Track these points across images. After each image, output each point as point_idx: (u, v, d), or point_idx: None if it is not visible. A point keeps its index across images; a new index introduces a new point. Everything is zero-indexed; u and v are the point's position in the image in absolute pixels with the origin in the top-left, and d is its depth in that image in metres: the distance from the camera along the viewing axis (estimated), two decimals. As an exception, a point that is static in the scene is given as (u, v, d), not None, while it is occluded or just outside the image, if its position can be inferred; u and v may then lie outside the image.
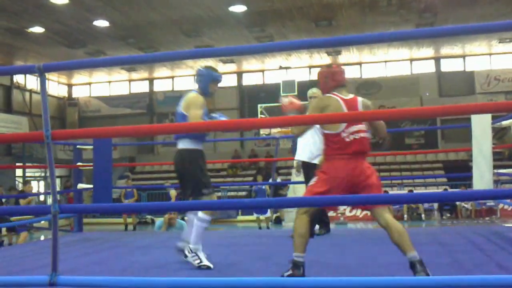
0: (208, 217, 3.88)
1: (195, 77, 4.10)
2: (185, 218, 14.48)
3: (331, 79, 3.51)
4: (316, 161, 5.24)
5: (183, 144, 3.93)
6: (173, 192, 13.95)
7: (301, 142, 5.59)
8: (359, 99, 3.51)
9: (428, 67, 24.72)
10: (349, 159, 3.33)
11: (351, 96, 3.50)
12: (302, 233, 3.34)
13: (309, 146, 5.46)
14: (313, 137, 5.35)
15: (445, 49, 23.21)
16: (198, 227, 3.86)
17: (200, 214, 3.85)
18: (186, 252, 3.85)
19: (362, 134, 3.39)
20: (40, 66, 2.72)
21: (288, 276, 3.31)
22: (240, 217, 18.14)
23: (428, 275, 3.09)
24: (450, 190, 16.67)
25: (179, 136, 3.96)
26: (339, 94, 3.46)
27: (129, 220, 15.94)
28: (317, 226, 5.69)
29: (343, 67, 3.70)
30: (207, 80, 4.02)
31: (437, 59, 24.54)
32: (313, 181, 3.43)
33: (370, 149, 3.47)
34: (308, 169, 5.42)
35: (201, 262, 3.78)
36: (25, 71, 2.95)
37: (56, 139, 2.71)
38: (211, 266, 3.79)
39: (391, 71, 24.91)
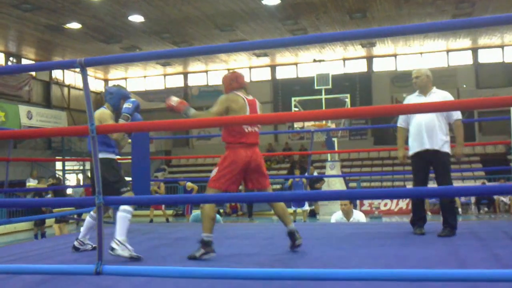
0: (131, 209, 4.05)
1: (105, 95, 4.45)
2: (221, 210, 14.58)
3: (235, 81, 4.16)
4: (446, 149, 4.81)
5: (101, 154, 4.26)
6: (189, 184, 14.00)
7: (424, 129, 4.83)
8: (257, 101, 4.24)
9: (465, 58, 24.22)
10: (248, 147, 4.01)
11: (251, 97, 4.20)
12: (211, 216, 3.95)
13: (436, 132, 4.79)
14: (439, 122, 4.80)
15: (483, 39, 22.66)
16: (123, 219, 3.97)
17: (124, 206, 4.02)
18: (114, 245, 3.89)
19: (256, 128, 4.10)
20: (82, 61, 2.67)
21: (201, 255, 3.82)
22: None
23: (301, 238, 4.01)
24: (488, 183, 16.36)
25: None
26: (242, 94, 4.12)
27: (155, 212, 15.97)
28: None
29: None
30: (118, 97, 4.38)
31: (474, 50, 24.00)
32: (215, 170, 4.02)
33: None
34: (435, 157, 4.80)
35: (131, 252, 3.87)
36: (67, 66, 2.96)
37: (100, 133, 2.79)
38: (141, 256, 3.89)
39: (427, 63, 24.47)
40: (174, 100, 4.09)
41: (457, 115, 4.82)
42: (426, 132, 4.79)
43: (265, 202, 17.15)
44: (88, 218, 4.39)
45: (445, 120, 4.81)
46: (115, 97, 4.37)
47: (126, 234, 3.95)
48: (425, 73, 4.97)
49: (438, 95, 4.90)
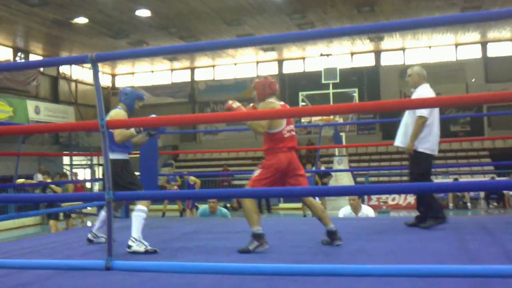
0: (146, 208, 4.17)
1: (120, 95, 4.52)
2: (228, 205, 14.64)
3: (268, 87, 4.20)
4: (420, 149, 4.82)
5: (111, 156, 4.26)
6: (192, 178, 13.95)
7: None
8: (287, 105, 4.33)
9: (474, 52, 24.05)
10: (287, 152, 4.10)
11: (282, 102, 4.26)
12: (255, 209, 3.98)
13: (408, 130, 4.89)
14: (408, 120, 4.88)
15: (493, 33, 22.48)
16: (138, 217, 4.11)
17: (139, 205, 4.16)
18: (130, 243, 4.02)
19: (293, 133, 4.19)
20: (93, 57, 2.65)
21: (255, 248, 3.84)
22: (282, 205, 18.18)
23: (341, 240, 4.04)
24: (497, 178, 16.27)
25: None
26: (276, 101, 4.16)
27: (168, 207, 15.98)
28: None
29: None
30: (132, 98, 4.46)
31: (483, 44, 23.83)
32: (258, 171, 4.10)
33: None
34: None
35: (147, 247, 4.00)
36: (78, 61, 2.96)
37: (110, 128, 2.77)
38: (158, 250, 4.01)
39: (436, 57, 24.34)
40: (236, 105, 4.12)
41: (419, 112, 4.72)
42: (399, 129, 5.00)
43: (275, 197, 17.19)
44: (103, 212, 4.45)
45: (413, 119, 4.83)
46: (130, 98, 4.46)
47: (141, 231, 4.08)
48: (416, 72, 4.99)
49: (415, 94, 4.93)
